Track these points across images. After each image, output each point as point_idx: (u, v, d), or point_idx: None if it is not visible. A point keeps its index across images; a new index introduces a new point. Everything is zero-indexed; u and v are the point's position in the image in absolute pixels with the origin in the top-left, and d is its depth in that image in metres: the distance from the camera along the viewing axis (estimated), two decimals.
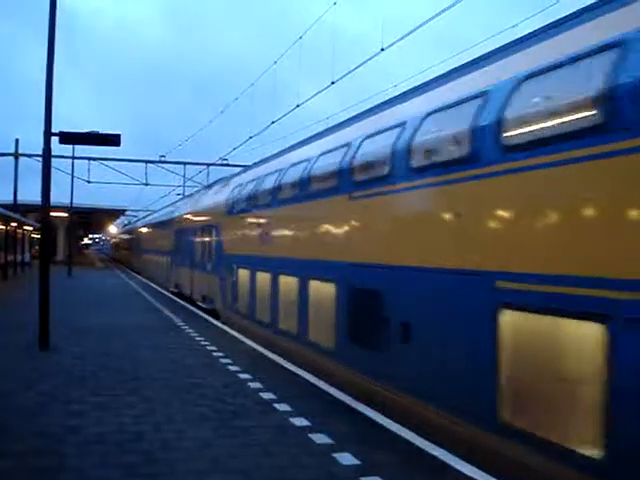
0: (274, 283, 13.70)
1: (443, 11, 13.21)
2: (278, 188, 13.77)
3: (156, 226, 40.14)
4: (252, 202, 15.93)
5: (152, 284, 36.24)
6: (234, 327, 16.81)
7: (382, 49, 15.14)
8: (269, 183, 14.56)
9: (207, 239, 21.75)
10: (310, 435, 7.21)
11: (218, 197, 20.96)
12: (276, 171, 14.37)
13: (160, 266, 35.89)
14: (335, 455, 6.52)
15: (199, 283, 23.14)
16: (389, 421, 7.78)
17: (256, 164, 18.96)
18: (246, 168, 20.58)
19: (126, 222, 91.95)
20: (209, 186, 26.81)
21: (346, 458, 6.43)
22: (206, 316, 19.88)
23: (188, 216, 26.44)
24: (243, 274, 16.47)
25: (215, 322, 18.32)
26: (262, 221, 14.96)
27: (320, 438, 7.09)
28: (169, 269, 31.94)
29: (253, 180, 16.59)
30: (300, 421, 7.80)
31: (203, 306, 21.76)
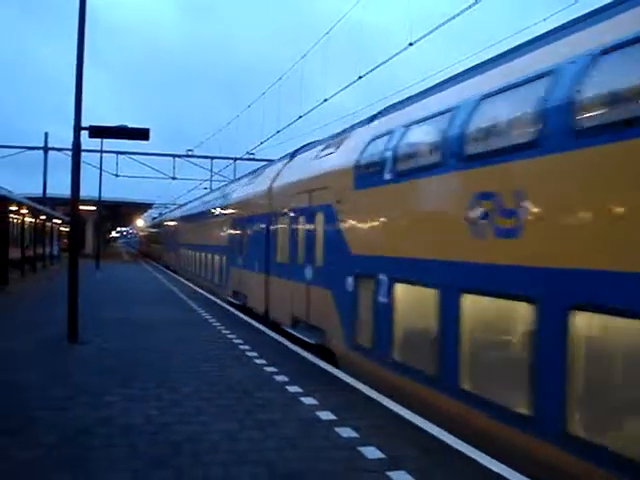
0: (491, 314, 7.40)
1: (470, 7, 13.10)
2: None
3: (201, 215, 32.46)
4: (428, 161, 8.64)
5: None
6: (370, 382, 9.65)
7: (410, 44, 15.03)
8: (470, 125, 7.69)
9: (304, 230, 13.88)
10: None
11: (328, 162, 12.88)
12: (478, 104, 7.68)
13: (207, 265, 28.79)
14: None
15: (285, 297, 15.08)
16: None
17: (398, 105, 11.16)
18: (376, 115, 12.05)
19: (156, 215, 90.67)
20: (292, 155, 18.08)
21: None
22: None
23: (259, 199, 18.77)
24: (401, 292, 9.25)
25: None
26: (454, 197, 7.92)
27: None
28: (224, 271, 24.18)
29: (411, 125, 9.51)
30: None
31: (295, 334, 13.93)
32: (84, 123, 13.40)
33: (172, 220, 51.14)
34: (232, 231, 23.02)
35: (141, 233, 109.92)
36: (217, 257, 25.91)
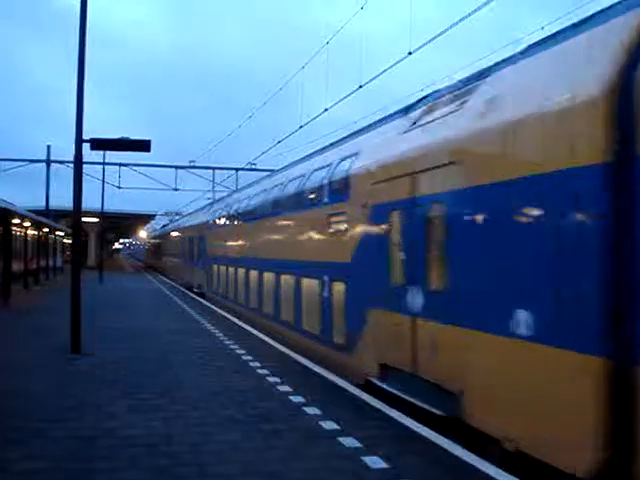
0: None
1: (469, 15, 13.15)
2: None
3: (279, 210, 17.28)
4: None
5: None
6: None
7: (410, 52, 15.09)
8: None
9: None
10: None
11: None
12: None
13: (284, 297, 16.04)
14: None
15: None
16: None
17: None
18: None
19: (163, 223, 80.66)
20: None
21: None
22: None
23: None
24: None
25: None
26: None
27: None
28: (346, 312, 11.74)
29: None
30: None
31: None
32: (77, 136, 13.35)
33: (190, 226, 37.95)
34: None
35: (149, 243, 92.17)
36: (314, 283, 13.44)
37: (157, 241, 70.91)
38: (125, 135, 14.47)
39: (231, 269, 23.60)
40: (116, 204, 53.63)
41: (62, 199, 40.99)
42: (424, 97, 10.62)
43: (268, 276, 17.53)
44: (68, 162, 37.99)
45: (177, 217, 66.13)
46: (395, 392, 9.06)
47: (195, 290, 32.96)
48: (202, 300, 28.07)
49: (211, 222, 29.66)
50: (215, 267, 27.48)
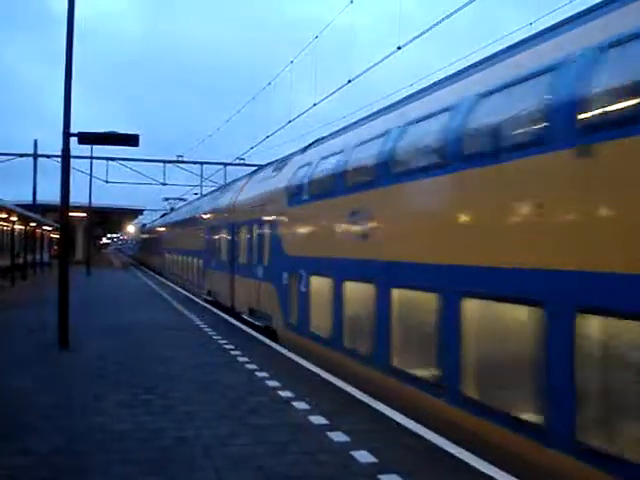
0: None
1: (456, 11, 13.18)
2: None
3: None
4: None
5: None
6: None
7: (399, 47, 15.10)
8: None
9: None
10: None
11: None
12: None
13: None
14: None
15: None
16: None
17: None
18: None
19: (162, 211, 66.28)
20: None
21: None
22: None
23: None
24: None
25: None
26: None
27: None
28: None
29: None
30: None
31: None
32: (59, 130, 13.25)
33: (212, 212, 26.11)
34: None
35: (144, 236, 75.41)
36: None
37: (156, 234, 54.86)
38: (111, 129, 14.40)
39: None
40: (103, 198, 53.39)
41: (48, 194, 40.77)
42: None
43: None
44: (55, 156, 37.64)
45: (180, 205, 52.24)
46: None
47: (239, 311, 19.37)
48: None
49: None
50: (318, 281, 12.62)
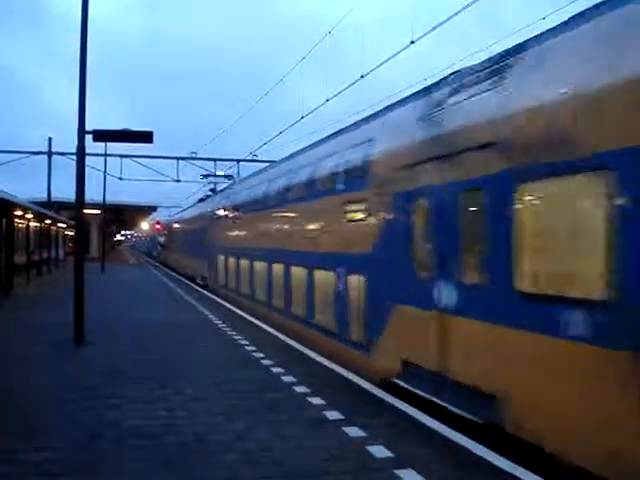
0: None
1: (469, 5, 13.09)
2: None
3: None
4: None
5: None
6: None
7: (412, 42, 15.02)
8: None
9: None
10: None
11: None
12: None
13: None
14: None
15: None
16: None
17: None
18: None
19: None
20: None
21: None
22: None
23: None
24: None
25: None
26: None
27: None
28: None
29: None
30: None
31: None
32: (71, 128, 13.42)
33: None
34: None
35: (171, 229, 57.14)
36: None
37: (197, 224, 36.34)
38: (124, 127, 14.46)
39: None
40: (118, 196, 53.59)
41: (62, 191, 41.01)
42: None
43: None
44: (70, 154, 37.84)
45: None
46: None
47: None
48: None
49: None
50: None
